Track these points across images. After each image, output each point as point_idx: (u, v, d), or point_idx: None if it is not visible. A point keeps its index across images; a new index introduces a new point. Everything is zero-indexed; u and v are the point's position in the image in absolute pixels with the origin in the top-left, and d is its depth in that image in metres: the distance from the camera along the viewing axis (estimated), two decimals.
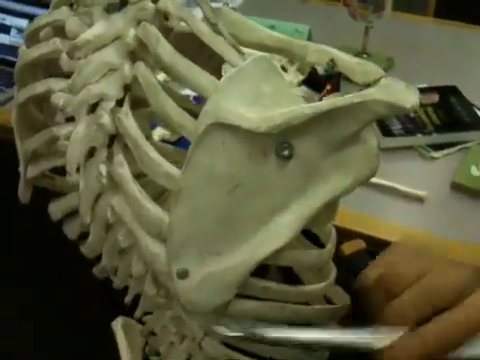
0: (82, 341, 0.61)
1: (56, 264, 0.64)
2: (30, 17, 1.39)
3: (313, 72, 1.21)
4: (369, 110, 0.32)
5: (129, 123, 0.35)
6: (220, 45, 0.34)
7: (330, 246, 0.43)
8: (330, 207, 0.37)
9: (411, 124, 1.08)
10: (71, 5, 0.41)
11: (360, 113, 0.32)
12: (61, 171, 0.48)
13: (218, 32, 0.35)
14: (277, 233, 0.35)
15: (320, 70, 1.23)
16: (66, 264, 0.63)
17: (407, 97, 0.32)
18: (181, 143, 0.85)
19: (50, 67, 0.46)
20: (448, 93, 1.16)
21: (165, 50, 0.33)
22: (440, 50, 1.34)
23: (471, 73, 1.26)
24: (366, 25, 1.22)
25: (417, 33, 1.43)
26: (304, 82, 1.16)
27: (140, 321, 0.57)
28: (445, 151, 1.04)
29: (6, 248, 0.65)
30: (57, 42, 0.39)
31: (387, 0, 1.18)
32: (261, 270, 0.39)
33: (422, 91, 1.14)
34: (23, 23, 1.40)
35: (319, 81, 1.21)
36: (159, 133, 0.95)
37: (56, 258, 0.64)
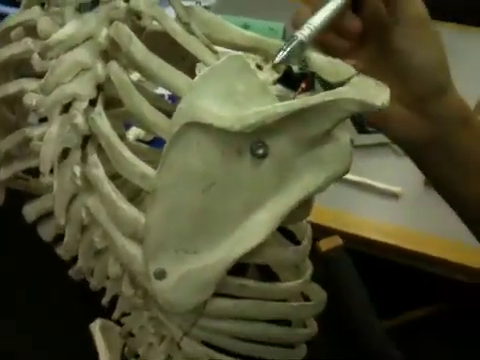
0: (61, 343, 0.61)
1: (33, 266, 0.63)
2: (1, 16, 1.36)
3: (288, 70, 1.21)
4: (341, 108, 0.32)
5: (102, 123, 0.35)
6: (193, 44, 0.34)
7: (306, 243, 0.43)
8: (305, 204, 0.37)
9: None
10: (42, 5, 0.40)
11: (332, 111, 0.32)
12: (35, 173, 0.47)
13: (191, 31, 0.35)
14: (253, 231, 0.35)
15: (295, 68, 1.24)
16: (42, 266, 0.63)
17: (378, 94, 0.33)
18: (156, 143, 0.84)
19: (21, 67, 0.45)
20: None
21: (138, 49, 0.33)
22: None
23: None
24: None
25: None
26: (279, 80, 1.17)
27: (118, 322, 0.56)
28: None
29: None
30: (29, 42, 0.38)
31: None
32: (239, 269, 0.39)
33: None
34: None
35: (294, 79, 1.21)
36: (134, 133, 0.95)
37: (33, 260, 0.63)
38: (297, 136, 0.33)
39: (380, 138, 1.06)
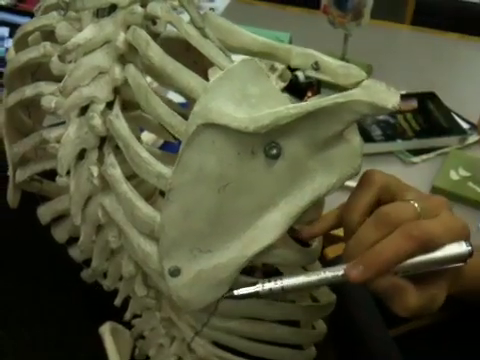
0: (71, 346, 0.61)
1: (44, 270, 0.64)
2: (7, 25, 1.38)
3: (294, 79, 1.23)
4: (352, 110, 0.33)
5: (120, 124, 0.36)
6: (208, 48, 0.35)
7: (316, 244, 0.44)
8: (316, 205, 0.38)
9: (391, 130, 1.10)
10: (61, 10, 0.41)
11: (343, 113, 0.33)
12: (49, 175, 0.48)
13: (205, 36, 0.36)
14: (266, 231, 0.36)
15: (301, 77, 1.25)
16: (54, 269, 0.63)
17: (388, 98, 0.34)
18: (165, 148, 0.86)
19: (37, 72, 0.46)
20: (427, 99, 1.18)
21: (155, 53, 0.34)
22: (418, 57, 1.37)
23: (449, 79, 1.28)
24: (345, 33, 1.24)
25: (395, 40, 1.45)
26: (286, 89, 1.18)
27: (129, 324, 0.57)
28: (424, 156, 1.06)
29: None
30: (47, 46, 0.39)
31: (366, 8, 1.21)
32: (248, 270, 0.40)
33: (401, 97, 1.15)
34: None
35: (300, 88, 1.22)
36: (145, 139, 0.96)
37: (44, 264, 0.64)
38: (309, 137, 0.34)
39: (386, 146, 1.07)
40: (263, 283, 0.37)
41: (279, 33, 1.32)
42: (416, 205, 0.36)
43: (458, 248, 0.34)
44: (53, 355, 0.62)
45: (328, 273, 0.36)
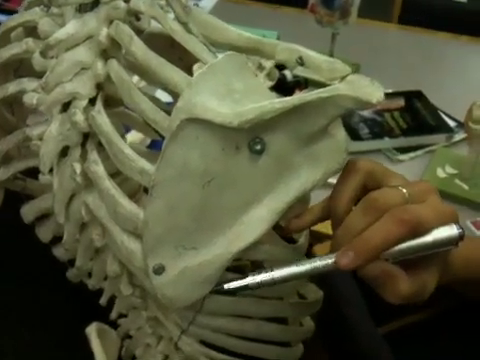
0: (57, 347, 0.61)
1: (28, 270, 0.63)
2: None
3: (282, 78, 1.23)
4: (336, 104, 0.33)
5: (102, 120, 0.36)
6: (192, 43, 0.35)
7: (302, 241, 0.44)
8: (302, 201, 0.38)
9: (378, 128, 1.10)
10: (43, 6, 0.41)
11: (328, 107, 0.33)
12: (32, 174, 0.48)
13: (189, 31, 0.36)
14: (251, 227, 0.36)
15: (289, 76, 1.25)
16: (38, 269, 0.63)
17: (372, 92, 0.34)
18: (153, 148, 0.85)
19: (20, 69, 0.46)
20: (414, 97, 1.18)
21: (138, 48, 0.34)
22: (405, 56, 1.37)
23: (435, 78, 1.29)
24: (332, 32, 1.24)
25: (382, 39, 1.46)
26: (273, 88, 1.18)
27: (115, 324, 0.57)
28: (412, 154, 1.07)
29: None
30: (30, 42, 0.39)
31: (353, 7, 1.21)
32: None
33: (388, 96, 1.16)
34: None
35: (288, 87, 1.23)
36: (130, 140, 0.95)
37: (28, 263, 0.63)
38: (294, 132, 0.34)
39: (373, 144, 1.07)
40: (253, 275, 0.36)
41: (266, 31, 1.32)
42: (404, 190, 0.35)
43: (449, 231, 0.34)
44: (38, 355, 0.61)
45: (319, 262, 0.36)
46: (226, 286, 0.37)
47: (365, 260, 0.34)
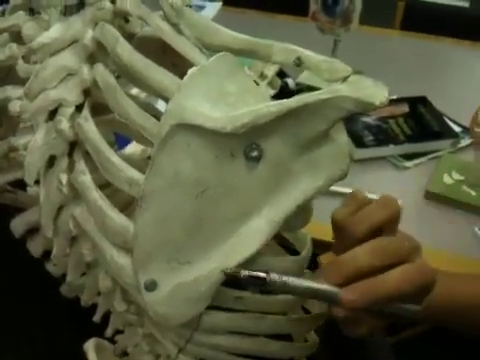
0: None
1: (24, 284, 0.61)
2: None
3: (284, 86, 1.21)
4: (337, 107, 0.31)
5: (89, 128, 0.34)
6: (182, 44, 0.33)
7: (305, 253, 0.41)
8: (304, 210, 0.36)
9: (383, 135, 1.08)
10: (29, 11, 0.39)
11: (328, 110, 0.31)
12: (23, 185, 0.46)
13: (180, 32, 0.34)
14: (249, 239, 0.34)
15: (291, 84, 1.23)
16: (34, 284, 0.61)
17: (375, 93, 0.32)
18: None
19: (8, 76, 0.44)
20: (418, 103, 1.16)
21: (124, 49, 0.32)
22: (408, 61, 1.36)
23: (439, 83, 1.27)
24: (334, 39, 1.23)
25: (385, 45, 1.44)
26: (275, 97, 1.16)
27: (112, 340, 0.54)
28: (417, 160, 1.04)
29: None
30: (13, 47, 0.37)
31: (354, 13, 1.20)
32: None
33: (392, 102, 1.14)
34: None
35: (290, 95, 1.21)
36: (130, 151, 0.94)
37: (24, 278, 0.61)
38: (292, 137, 0.32)
39: (378, 152, 1.05)
40: (269, 274, 0.35)
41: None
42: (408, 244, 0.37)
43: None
44: None
45: (328, 287, 0.35)
46: (243, 273, 0.35)
47: (368, 303, 0.34)
